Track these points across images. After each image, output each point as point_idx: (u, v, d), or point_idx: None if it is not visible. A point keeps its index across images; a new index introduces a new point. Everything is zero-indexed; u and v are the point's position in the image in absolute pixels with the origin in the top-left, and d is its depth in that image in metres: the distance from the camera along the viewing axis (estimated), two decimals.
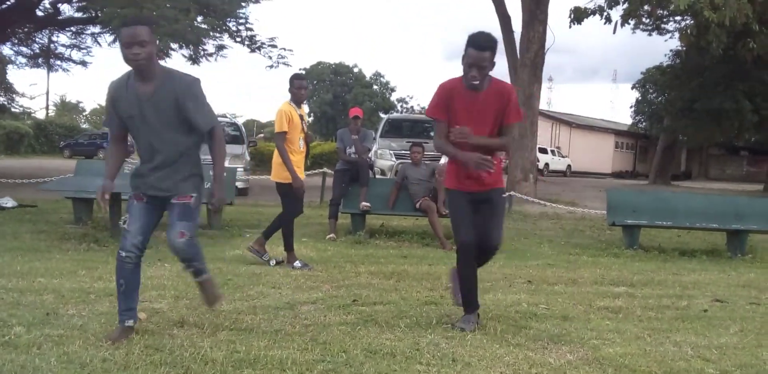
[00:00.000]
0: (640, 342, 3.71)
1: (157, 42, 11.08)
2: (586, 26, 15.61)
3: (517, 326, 3.91)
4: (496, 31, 15.48)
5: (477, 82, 3.68)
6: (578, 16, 14.55)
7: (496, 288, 5.19)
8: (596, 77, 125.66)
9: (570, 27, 15.26)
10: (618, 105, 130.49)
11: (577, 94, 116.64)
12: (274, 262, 5.92)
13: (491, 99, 3.75)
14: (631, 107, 34.30)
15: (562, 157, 36.46)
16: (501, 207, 4.04)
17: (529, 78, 14.80)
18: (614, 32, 15.27)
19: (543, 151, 30.80)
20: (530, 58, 14.70)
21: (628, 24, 15.17)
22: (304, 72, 43.19)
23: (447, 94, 3.82)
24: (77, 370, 2.80)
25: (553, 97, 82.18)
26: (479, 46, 3.61)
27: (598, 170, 37.24)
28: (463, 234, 3.85)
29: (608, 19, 15.04)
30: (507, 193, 12.22)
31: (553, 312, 4.36)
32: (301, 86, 6.02)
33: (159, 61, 3.34)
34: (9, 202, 9.55)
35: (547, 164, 32.78)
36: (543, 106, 19.38)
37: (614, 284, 5.67)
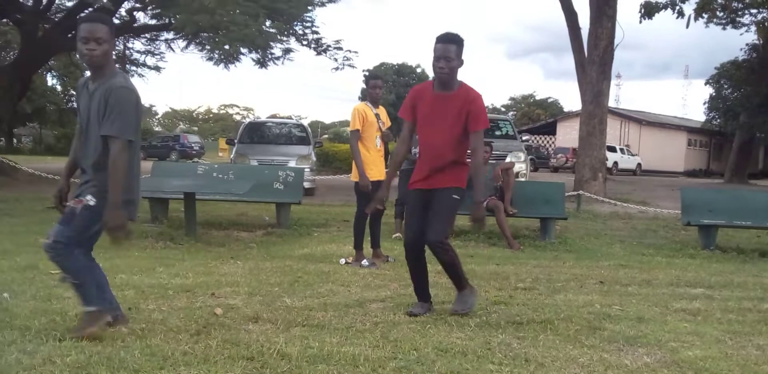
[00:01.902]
0: (720, 345, 3.59)
1: (227, 47, 11.34)
2: (656, 21, 15.19)
3: (590, 327, 3.84)
4: (563, 28, 15.24)
5: (444, 74, 3.91)
6: (649, 10, 14.17)
7: (566, 288, 5.10)
8: (667, 73, 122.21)
9: (640, 22, 14.91)
10: (690, 101, 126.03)
11: (647, 90, 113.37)
12: (366, 263, 5.93)
13: (457, 102, 3.97)
14: (704, 103, 33.16)
15: (632, 155, 35.50)
16: (444, 205, 4.06)
17: (598, 75, 14.48)
18: (687, 26, 14.80)
19: (612, 149, 30.02)
20: (598, 55, 14.38)
21: (702, 18, 14.72)
22: (367, 73, 43.53)
23: (415, 96, 4.11)
24: (160, 363, 2.91)
25: (622, 94, 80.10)
26: (445, 39, 3.92)
27: (669, 168, 36.04)
28: (405, 232, 4.23)
29: (681, 13, 14.60)
30: (575, 192, 12.01)
31: (627, 313, 4.26)
32: (375, 85, 6.11)
33: (116, 65, 3.35)
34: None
35: (616, 163, 31.98)
36: (611, 103, 18.93)
37: (691, 285, 5.49)
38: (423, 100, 4.07)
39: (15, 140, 37.45)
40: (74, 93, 37.39)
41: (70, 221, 3.23)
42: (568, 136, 36.40)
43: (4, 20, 19.15)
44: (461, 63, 3.98)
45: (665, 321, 4.11)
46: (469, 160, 4.07)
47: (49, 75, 34.05)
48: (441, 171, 4.04)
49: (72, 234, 3.21)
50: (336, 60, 16.50)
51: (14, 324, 3.47)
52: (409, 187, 4.21)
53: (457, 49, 3.94)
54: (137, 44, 20.91)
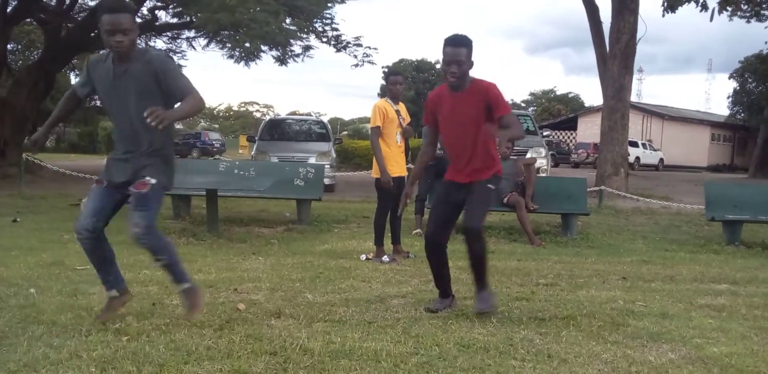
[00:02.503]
0: (746, 341, 3.54)
1: (247, 44, 11.40)
2: (680, 14, 15.00)
3: (613, 323, 3.81)
4: (584, 22, 15.09)
5: (455, 78, 3.89)
6: (672, 3, 13.99)
7: (589, 284, 5.07)
8: (690, 67, 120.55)
9: (663, 15, 14.73)
10: (714, 96, 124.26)
11: (670, 85, 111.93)
12: (387, 259, 5.94)
13: (472, 98, 3.93)
14: (728, 98, 32.71)
15: (654, 150, 35.13)
16: (481, 195, 4.03)
17: (619, 70, 14.34)
18: (711, 20, 14.60)
19: (633, 144, 29.68)
20: (620, 49, 14.23)
21: (726, 11, 14.49)
22: (386, 69, 43.47)
23: (433, 101, 4.12)
24: (184, 357, 2.94)
25: (644, 88, 79.17)
26: (454, 42, 3.87)
27: (692, 163, 35.60)
28: (428, 225, 4.29)
29: (704, 7, 14.39)
30: (597, 188, 11.91)
31: (651, 309, 4.22)
32: (396, 82, 6.10)
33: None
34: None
35: (638, 158, 31.68)
36: (633, 97, 18.76)
37: (715, 281, 5.43)
38: (441, 104, 4.06)
39: None
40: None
41: (146, 204, 3.34)
42: (589, 131, 36.14)
43: (28, 20, 19.40)
44: (471, 65, 3.95)
45: (690, 317, 4.07)
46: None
47: (72, 74, 34.43)
48: (474, 165, 4.03)
49: (154, 214, 3.39)
50: (356, 57, 16.53)
51: (41, 319, 3.53)
52: (446, 178, 4.22)
53: (467, 51, 3.89)
54: (159, 43, 21.09)
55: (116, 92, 3.33)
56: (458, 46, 3.85)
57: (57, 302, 3.91)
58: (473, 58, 3.95)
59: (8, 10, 16.35)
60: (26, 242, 6.43)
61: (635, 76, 16.55)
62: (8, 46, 19.71)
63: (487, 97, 3.90)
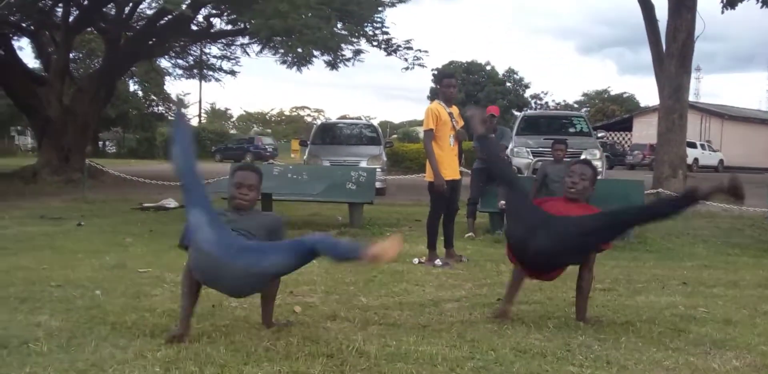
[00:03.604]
0: None
1: (300, 50, 11.51)
2: (739, 11, 14.49)
3: (674, 329, 3.71)
4: (639, 21, 14.77)
5: None
6: (732, 0, 13.55)
7: (648, 289, 4.95)
8: (750, 65, 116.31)
9: (722, 12, 14.31)
10: None
11: (730, 84, 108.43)
12: (440, 262, 5.95)
13: None
14: None
15: (713, 151, 34.06)
16: None
17: (677, 69, 13.98)
18: None
19: (692, 145, 28.85)
20: (677, 48, 13.87)
21: None
22: (436, 72, 43.39)
23: None
24: (244, 358, 3.00)
25: (702, 87, 76.83)
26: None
27: (755, 165, 34.30)
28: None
29: (765, 3, 13.91)
30: (655, 190, 11.62)
31: (713, 315, 4.10)
32: (450, 85, 6.10)
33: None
34: (171, 203, 10.39)
35: (696, 159, 30.76)
36: (690, 97, 18.27)
37: None
38: None
39: (100, 144, 39.22)
40: (154, 98, 39.31)
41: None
42: (645, 132, 35.27)
43: (89, 29, 20.12)
44: None
45: (754, 323, 3.94)
46: None
47: (131, 81, 35.57)
48: None
49: None
50: (406, 60, 16.54)
51: (107, 319, 3.66)
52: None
53: None
54: (213, 49, 21.60)
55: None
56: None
57: (121, 303, 4.05)
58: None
59: (70, 19, 16.99)
60: (90, 245, 6.67)
61: (693, 75, 16.14)
62: (70, 54, 20.45)
63: None
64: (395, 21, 44.63)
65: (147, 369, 2.84)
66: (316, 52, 14.09)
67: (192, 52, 22.13)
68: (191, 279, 3.31)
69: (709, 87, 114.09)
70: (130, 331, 3.43)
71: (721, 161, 33.77)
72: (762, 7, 14.23)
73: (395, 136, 47.46)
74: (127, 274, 5.07)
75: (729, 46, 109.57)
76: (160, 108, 40.61)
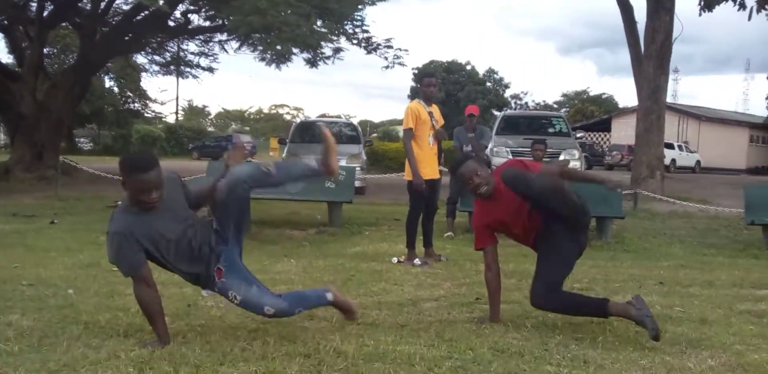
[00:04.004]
0: None
1: (279, 47, 11.43)
2: (717, 13, 14.66)
3: None
4: (618, 22, 14.88)
5: None
6: (709, 2, 13.74)
7: (625, 289, 4.99)
8: (728, 68, 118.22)
9: (700, 15, 14.45)
10: (752, 96, 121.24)
11: (707, 85, 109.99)
12: (418, 262, 5.92)
13: None
14: (767, 98, 31.97)
15: (691, 152, 34.48)
16: None
17: (655, 70, 14.14)
18: (749, 19, 14.25)
19: (669, 146, 29.16)
20: (656, 49, 14.03)
21: (765, 9, 14.15)
22: (416, 71, 43.42)
23: None
24: (219, 358, 2.95)
25: (680, 89, 77.76)
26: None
27: (730, 166, 34.82)
28: None
29: (742, 5, 14.10)
30: (632, 191, 11.73)
31: (689, 315, 4.13)
32: (429, 83, 6.09)
33: None
34: None
35: (673, 160, 31.09)
36: (668, 98, 18.42)
37: (756, 287, 5.29)
38: None
39: (75, 141, 38.65)
40: (130, 94, 38.91)
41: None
42: (623, 132, 35.58)
43: (64, 24, 19.82)
44: None
45: (729, 323, 3.98)
46: None
47: (106, 77, 35.12)
48: None
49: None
50: (386, 58, 16.49)
51: (80, 319, 3.59)
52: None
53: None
54: (191, 46, 21.39)
55: None
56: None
57: (94, 303, 3.98)
58: None
59: (44, 14, 16.72)
60: (63, 243, 6.56)
61: (671, 77, 16.34)
62: (44, 49, 20.13)
63: None
64: (375, 19, 44.69)
65: (120, 370, 2.78)
66: (295, 50, 13.98)
67: (169, 48, 21.87)
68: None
69: (686, 88, 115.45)
70: (103, 331, 3.37)
71: (698, 162, 34.20)
72: (739, 9, 14.41)
73: (375, 134, 47.37)
74: (100, 273, 4.99)
75: (706, 48, 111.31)
76: (135, 104, 40.18)
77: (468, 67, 53.76)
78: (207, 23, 17.96)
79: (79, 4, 17.37)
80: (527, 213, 3.76)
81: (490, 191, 3.78)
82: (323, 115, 16.69)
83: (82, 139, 41.46)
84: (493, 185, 3.78)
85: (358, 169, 11.69)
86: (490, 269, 3.94)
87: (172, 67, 23.35)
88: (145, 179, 3.04)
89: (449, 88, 50.49)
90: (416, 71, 43.62)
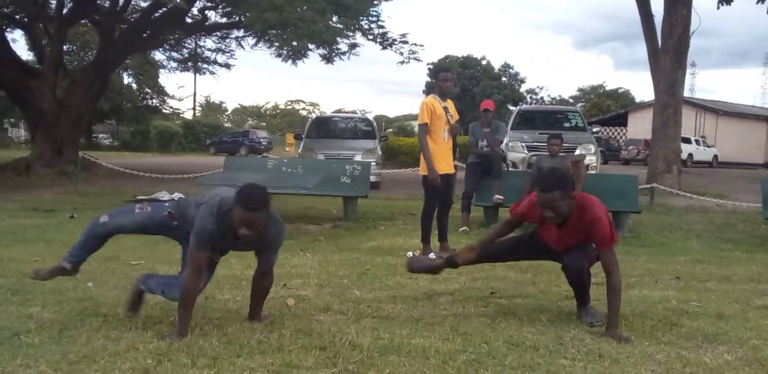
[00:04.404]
0: None
1: (295, 43, 11.47)
2: (735, 6, 14.49)
3: (667, 323, 3.73)
4: (635, 16, 14.75)
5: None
6: None
7: (641, 283, 4.97)
8: (745, 61, 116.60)
9: (718, 8, 14.31)
10: None
11: (725, 79, 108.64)
12: (433, 256, 5.93)
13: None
14: None
15: (708, 146, 34.12)
16: None
17: (672, 64, 13.98)
18: None
19: (686, 140, 28.88)
20: (673, 43, 13.87)
21: None
22: (431, 66, 43.30)
23: None
24: (236, 350, 3.00)
25: (697, 83, 76.92)
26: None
27: (748, 160, 34.43)
28: None
29: None
30: (649, 185, 11.65)
31: (706, 310, 4.11)
32: (445, 78, 6.08)
33: None
34: (165, 196, 10.33)
35: (690, 155, 30.79)
36: (686, 93, 18.21)
37: None
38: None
39: (94, 137, 39.01)
40: (148, 90, 39.27)
41: None
42: (640, 127, 35.32)
43: (83, 21, 19.99)
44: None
45: (746, 318, 3.95)
46: None
47: (125, 74, 35.39)
48: None
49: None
50: (401, 54, 16.49)
51: (99, 311, 3.65)
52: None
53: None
54: (208, 42, 21.50)
55: None
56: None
57: (114, 295, 4.04)
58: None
59: (64, 11, 16.89)
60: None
61: (688, 71, 16.12)
62: (64, 47, 20.32)
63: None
64: (391, 15, 44.54)
65: (139, 361, 2.83)
66: (311, 46, 14.02)
67: (186, 44, 22.02)
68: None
69: (704, 82, 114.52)
70: (122, 323, 3.42)
71: (715, 156, 33.85)
72: (757, 2, 14.24)
73: (390, 130, 47.38)
74: (119, 266, 5.06)
75: (724, 42, 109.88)
76: (154, 101, 40.44)
77: (483, 62, 53.51)
78: (224, 20, 18.07)
79: (98, 2, 17.53)
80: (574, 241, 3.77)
81: (559, 221, 3.62)
82: (339, 111, 16.69)
83: (101, 135, 41.85)
84: (568, 216, 3.58)
85: (373, 164, 11.72)
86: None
87: (189, 64, 23.49)
88: (246, 217, 3.14)
89: (464, 83, 50.30)
90: (431, 66, 43.49)
